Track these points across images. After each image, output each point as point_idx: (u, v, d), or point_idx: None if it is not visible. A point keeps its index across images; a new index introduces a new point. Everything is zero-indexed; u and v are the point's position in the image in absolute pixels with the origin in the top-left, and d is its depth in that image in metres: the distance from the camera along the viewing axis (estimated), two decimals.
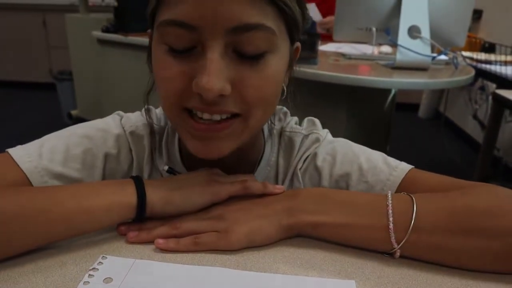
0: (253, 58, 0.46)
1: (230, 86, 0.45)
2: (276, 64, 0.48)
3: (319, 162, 0.60)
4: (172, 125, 0.55)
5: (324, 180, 0.59)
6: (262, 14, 0.44)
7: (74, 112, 3.25)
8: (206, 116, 0.47)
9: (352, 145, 0.61)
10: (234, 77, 0.45)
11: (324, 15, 2.46)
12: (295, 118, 0.67)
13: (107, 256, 0.45)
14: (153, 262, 0.45)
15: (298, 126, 0.65)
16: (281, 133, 0.64)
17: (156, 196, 0.49)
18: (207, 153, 0.49)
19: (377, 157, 0.58)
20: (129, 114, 0.64)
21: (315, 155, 0.61)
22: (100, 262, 0.44)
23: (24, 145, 0.55)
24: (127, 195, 0.48)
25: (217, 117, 0.47)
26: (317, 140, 0.62)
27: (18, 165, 0.51)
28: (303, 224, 0.49)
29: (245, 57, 0.45)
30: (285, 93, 0.56)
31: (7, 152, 0.53)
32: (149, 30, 0.54)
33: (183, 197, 0.50)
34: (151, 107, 0.64)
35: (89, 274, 0.42)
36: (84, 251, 0.46)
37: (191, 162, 0.62)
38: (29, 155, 0.53)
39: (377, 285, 0.43)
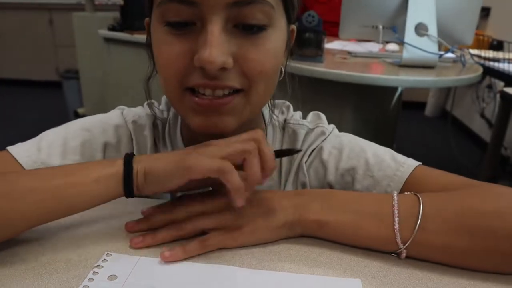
0: (253, 32, 0.46)
1: (232, 60, 0.46)
2: (275, 39, 0.49)
3: (325, 155, 0.59)
4: (173, 106, 0.55)
5: (329, 173, 0.59)
6: None
7: (80, 110, 3.26)
8: (208, 92, 0.47)
9: (359, 139, 0.61)
10: (235, 52, 0.46)
11: (323, 15, 2.46)
12: (299, 113, 0.67)
13: (111, 253, 0.45)
14: (157, 259, 0.44)
15: (302, 120, 0.65)
16: (285, 125, 0.64)
17: (140, 166, 0.46)
18: (211, 128, 0.49)
19: (385, 152, 0.58)
20: (131, 108, 0.65)
21: (321, 148, 0.60)
22: (104, 259, 0.44)
23: (23, 142, 0.56)
24: (115, 167, 0.46)
25: (219, 92, 0.48)
26: (323, 133, 0.62)
27: (17, 161, 0.53)
28: (309, 222, 0.48)
29: (246, 31, 0.46)
30: (282, 74, 0.56)
31: (6, 150, 0.55)
32: (146, 19, 0.54)
33: (161, 169, 0.46)
34: (153, 101, 0.64)
35: (94, 271, 0.42)
36: (89, 248, 0.46)
37: None
38: (27, 151, 0.54)
39: (383, 284, 0.42)
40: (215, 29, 0.44)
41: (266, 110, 0.63)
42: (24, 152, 0.54)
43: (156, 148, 0.63)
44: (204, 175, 0.43)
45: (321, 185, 0.60)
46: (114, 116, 0.62)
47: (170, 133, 0.63)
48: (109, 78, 2.68)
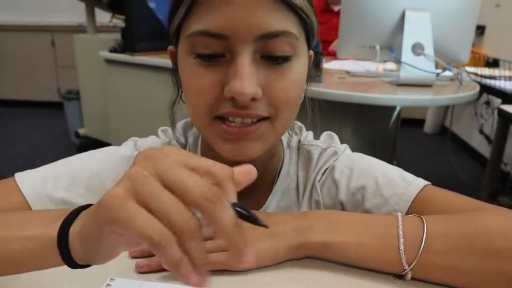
0: (279, 63, 0.48)
1: (261, 91, 0.47)
2: (300, 68, 0.51)
3: (337, 174, 0.61)
4: (202, 134, 0.55)
5: (341, 192, 0.60)
6: (286, 21, 0.47)
7: (81, 131, 3.28)
8: (238, 120, 0.49)
9: (370, 159, 0.62)
10: (263, 82, 0.48)
11: (321, 35, 2.50)
12: (311, 133, 0.68)
13: (115, 278, 0.45)
14: (160, 284, 0.45)
15: (316, 140, 0.66)
16: (299, 146, 0.66)
17: (75, 226, 0.35)
18: (239, 155, 0.50)
19: (394, 171, 0.59)
20: (144, 138, 0.65)
21: (333, 168, 0.62)
22: (108, 284, 0.44)
23: (32, 170, 0.56)
24: (51, 227, 0.36)
25: (248, 120, 0.49)
26: (335, 153, 0.63)
27: (20, 191, 0.52)
28: (313, 244, 0.48)
29: (272, 62, 0.48)
30: (302, 98, 0.57)
31: (14, 177, 0.55)
32: (170, 47, 0.56)
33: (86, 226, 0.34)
34: (167, 128, 0.65)
35: None
36: (93, 273, 0.46)
37: None
38: (33, 181, 0.54)
39: None
40: (245, 61, 0.46)
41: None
42: (29, 182, 0.54)
43: None
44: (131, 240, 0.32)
45: (333, 203, 0.61)
46: (125, 148, 0.62)
47: None
48: (110, 99, 2.70)
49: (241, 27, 0.45)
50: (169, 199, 0.28)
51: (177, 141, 0.64)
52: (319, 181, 0.62)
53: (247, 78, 0.45)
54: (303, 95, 0.57)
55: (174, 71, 0.56)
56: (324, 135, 0.68)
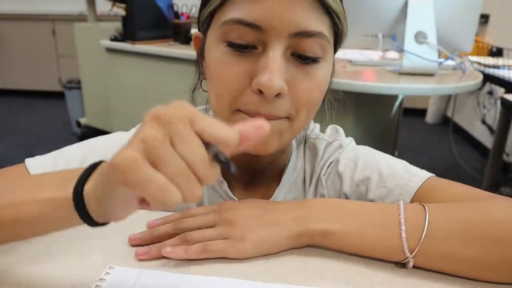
0: (308, 63, 0.49)
1: (286, 87, 0.48)
2: (326, 71, 0.51)
3: (341, 167, 0.61)
4: (219, 120, 0.54)
5: (345, 185, 0.60)
6: (321, 23, 0.48)
7: (82, 120, 3.28)
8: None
9: (374, 151, 0.63)
10: (289, 80, 0.48)
11: None
12: (318, 125, 0.68)
13: (114, 266, 0.45)
14: (159, 272, 0.45)
15: (322, 134, 0.66)
16: (306, 140, 0.66)
17: (90, 184, 0.36)
18: (253, 148, 0.50)
19: (398, 163, 0.59)
20: None
21: (337, 161, 0.62)
22: (107, 272, 0.44)
23: (42, 156, 0.56)
24: (65, 189, 0.36)
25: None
26: (340, 146, 0.63)
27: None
28: (314, 233, 0.48)
29: (302, 61, 0.48)
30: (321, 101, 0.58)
31: (25, 162, 0.55)
32: (197, 32, 0.56)
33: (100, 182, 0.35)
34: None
35: (96, 285, 0.42)
36: (92, 261, 0.46)
37: None
38: (44, 166, 0.54)
39: None
40: (277, 56, 0.46)
41: None
42: (40, 166, 0.54)
43: None
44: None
45: (337, 196, 0.61)
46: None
47: None
48: (111, 88, 2.69)
49: (278, 21, 0.45)
50: (180, 167, 0.30)
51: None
52: (324, 174, 0.62)
53: (276, 72, 0.45)
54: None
55: (198, 57, 0.57)
56: (330, 128, 0.68)
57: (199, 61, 0.58)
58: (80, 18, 3.98)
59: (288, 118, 0.50)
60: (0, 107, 4.39)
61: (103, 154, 0.56)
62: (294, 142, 0.65)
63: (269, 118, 0.48)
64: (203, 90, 0.57)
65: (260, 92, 0.46)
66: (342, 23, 0.51)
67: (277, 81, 0.45)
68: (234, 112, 0.50)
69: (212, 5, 0.50)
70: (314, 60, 0.49)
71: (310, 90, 0.50)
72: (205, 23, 0.53)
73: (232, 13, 0.47)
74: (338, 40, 0.53)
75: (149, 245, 0.47)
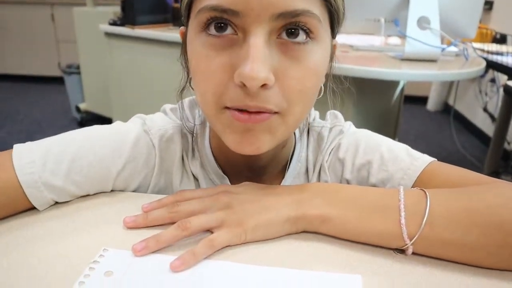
0: (297, 47, 0.44)
1: (273, 77, 0.43)
2: (319, 56, 0.46)
3: (342, 153, 0.60)
4: (208, 120, 0.51)
5: (346, 170, 0.59)
6: (307, 0, 0.43)
7: (82, 106, 3.26)
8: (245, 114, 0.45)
9: (375, 135, 0.61)
10: (277, 68, 0.43)
11: None
12: (317, 113, 0.67)
13: (108, 248, 0.45)
14: (154, 254, 0.44)
15: (322, 121, 0.65)
16: (309, 128, 0.64)
17: None
18: (246, 147, 0.47)
19: (400, 147, 0.58)
20: (152, 117, 0.61)
21: (338, 146, 0.61)
22: (101, 255, 0.43)
23: (31, 145, 0.52)
24: None
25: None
26: (341, 132, 0.62)
27: (16, 175, 0.48)
28: (311, 217, 0.47)
29: (290, 42, 0.44)
30: (321, 92, 0.54)
31: (13, 151, 0.50)
32: (181, 28, 0.53)
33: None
34: (173, 106, 0.62)
35: (90, 267, 0.41)
36: (86, 244, 0.46)
37: (225, 161, 0.61)
38: (32, 164, 0.49)
39: (385, 280, 0.42)
40: (258, 42, 0.42)
41: None
42: (28, 166, 0.49)
43: (183, 162, 0.61)
44: None
45: (339, 182, 0.60)
46: (132, 128, 0.58)
47: (198, 144, 0.61)
48: (111, 72, 2.67)
49: (256, 3, 0.41)
50: None
51: (186, 126, 0.61)
52: (326, 161, 0.61)
53: (258, 61, 0.41)
54: (322, 87, 0.54)
55: (183, 54, 0.53)
56: (329, 114, 0.66)
57: (184, 58, 0.54)
58: (79, 2, 3.93)
59: (279, 113, 0.46)
60: (0, 92, 4.38)
61: (94, 155, 0.53)
62: (297, 132, 0.63)
63: (258, 111, 0.44)
64: (192, 88, 0.53)
65: (244, 85, 0.42)
66: (336, 0, 0.46)
67: (260, 71, 0.41)
68: (221, 110, 0.46)
69: None
70: (303, 42, 0.44)
71: (302, 77, 0.45)
72: (185, 15, 0.50)
73: (206, 0, 0.43)
74: (334, 20, 0.49)
75: (146, 240, 0.45)
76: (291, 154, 0.63)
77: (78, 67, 3.26)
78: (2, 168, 0.49)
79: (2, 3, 4.43)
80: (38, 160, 0.50)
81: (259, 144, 0.47)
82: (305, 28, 0.44)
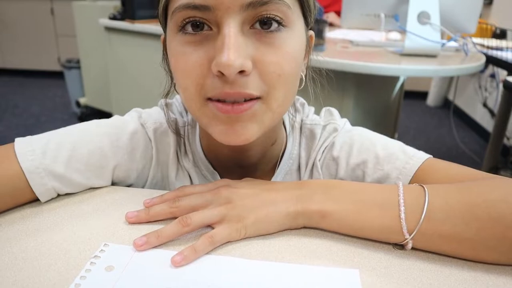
0: (271, 30, 0.45)
1: (250, 63, 0.44)
2: (293, 41, 0.48)
3: (336, 151, 0.60)
4: (195, 117, 0.53)
5: (341, 168, 0.59)
6: None
7: (82, 100, 3.26)
8: (228, 100, 0.46)
9: (369, 133, 0.61)
10: (253, 55, 0.45)
11: (328, 6, 2.45)
12: (313, 109, 0.67)
13: (109, 244, 0.45)
14: (155, 249, 0.44)
15: (317, 117, 0.65)
16: (302, 125, 0.64)
17: None
18: (234, 138, 0.48)
19: (394, 145, 0.58)
20: (149, 110, 0.62)
21: (332, 145, 0.61)
22: (102, 250, 0.44)
23: (32, 138, 0.53)
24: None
25: (240, 99, 0.46)
26: (335, 130, 0.62)
27: (18, 162, 0.50)
28: (311, 212, 0.47)
29: (263, 30, 0.45)
30: (303, 82, 0.55)
31: (14, 145, 0.52)
32: (162, 35, 0.54)
33: None
34: (170, 101, 0.63)
35: (91, 262, 0.42)
36: (87, 239, 0.46)
37: (215, 158, 0.61)
38: (33, 152, 0.51)
39: (383, 275, 0.42)
40: (232, 32, 0.43)
41: (285, 114, 0.63)
42: (29, 153, 0.51)
43: (177, 156, 0.62)
44: None
45: None
46: (130, 120, 0.60)
47: (190, 140, 0.62)
48: (110, 67, 2.67)
49: None
50: None
51: (170, 123, 0.62)
52: (319, 159, 0.61)
53: (233, 49, 0.42)
54: (303, 77, 0.55)
55: (165, 59, 0.54)
56: (324, 111, 0.66)
57: (166, 62, 0.55)
58: None
59: (261, 98, 0.47)
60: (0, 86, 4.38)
61: (93, 144, 0.55)
62: (288, 128, 0.63)
63: (239, 96, 0.45)
64: (176, 92, 0.55)
65: (222, 74, 0.43)
66: None
67: (235, 59, 0.42)
68: (204, 102, 0.47)
69: (162, 0, 0.48)
70: (276, 29, 0.45)
71: (279, 62, 0.46)
72: (162, 20, 0.51)
73: (179, 1, 0.45)
74: (305, 9, 0.50)
75: (147, 235, 0.45)
76: (282, 151, 0.63)
77: (78, 62, 3.25)
78: (5, 158, 0.50)
79: None
80: (38, 149, 0.52)
81: (246, 134, 0.48)
82: (275, 17, 0.45)
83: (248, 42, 0.45)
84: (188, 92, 0.48)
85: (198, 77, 0.46)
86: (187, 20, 0.45)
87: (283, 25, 0.46)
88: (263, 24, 0.45)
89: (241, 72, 0.44)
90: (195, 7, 0.44)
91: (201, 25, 0.45)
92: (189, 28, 0.46)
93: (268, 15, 0.45)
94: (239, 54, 0.43)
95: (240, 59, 0.43)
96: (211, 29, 0.45)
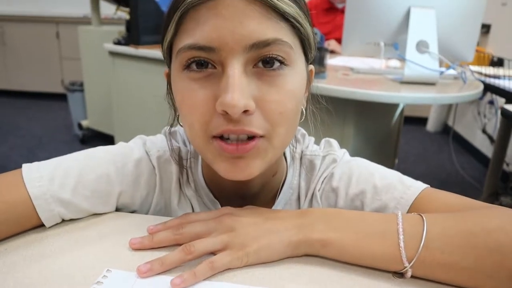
0: (273, 69, 0.47)
1: (253, 103, 0.46)
2: (295, 79, 0.49)
3: (335, 182, 0.60)
4: (198, 152, 0.54)
5: (340, 199, 0.60)
6: (277, 30, 0.46)
7: (84, 123, 3.28)
8: (232, 136, 0.47)
9: (368, 163, 0.62)
10: (256, 95, 0.46)
11: (329, 34, 2.50)
12: (313, 139, 0.68)
13: (112, 269, 0.46)
14: (157, 276, 0.45)
15: (317, 148, 0.66)
16: (302, 156, 0.65)
17: None
18: (237, 174, 0.49)
19: (392, 175, 0.59)
20: (153, 138, 0.64)
21: (331, 175, 0.61)
22: (105, 275, 0.44)
23: (39, 164, 0.54)
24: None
25: (243, 136, 0.47)
26: (334, 161, 0.63)
27: (26, 188, 0.51)
28: (312, 242, 0.48)
29: (266, 69, 0.47)
30: (304, 115, 0.57)
31: (21, 171, 0.53)
32: (166, 70, 0.56)
33: None
34: (174, 129, 0.64)
35: None
36: (91, 264, 0.47)
37: (217, 188, 0.63)
38: (40, 178, 0.52)
39: None
40: (236, 73, 0.45)
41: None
42: (36, 180, 0.52)
43: (180, 184, 0.63)
44: None
45: None
46: (134, 148, 0.61)
47: (192, 170, 0.63)
48: (114, 91, 2.70)
49: (230, 38, 0.44)
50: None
51: (173, 154, 0.63)
52: (318, 190, 0.62)
53: (237, 90, 0.44)
54: (304, 110, 0.56)
55: (169, 93, 0.56)
56: (323, 142, 0.67)
57: (170, 96, 0.57)
58: (84, 21, 4.01)
59: (265, 137, 0.48)
60: (4, 107, 4.41)
61: (100, 171, 0.56)
62: (288, 159, 0.64)
63: (243, 132, 0.47)
64: (180, 125, 0.56)
65: (226, 113, 0.45)
66: (304, 27, 0.49)
67: (239, 99, 0.44)
68: (209, 140, 0.49)
69: (168, 37, 0.50)
70: (278, 68, 0.47)
71: (281, 100, 0.47)
72: (167, 56, 0.53)
73: (185, 39, 0.46)
74: (306, 46, 0.51)
75: (151, 262, 0.46)
76: (282, 181, 0.64)
77: (81, 85, 3.29)
78: (13, 184, 0.52)
79: (9, 20, 4.50)
80: (46, 176, 0.53)
81: (250, 170, 0.49)
82: (278, 56, 0.47)
83: (251, 82, 0.46)
84: (193, 129, 0.49)
85: (204, 114, 0.47)
86: (191, 59, 0.47)
87: (285, 64, 0.47)
88: (266, 63, 0.47)
89: (245, 111, 0.45)
90: (200, 48, 0.45)
91: (205, 64, 0.47)
92: (193, 66, 0.47)
93: (271, 55, 0.46)
94: (243, 95, 0.44)
95: (244, 100, 0.44)
96: (215, 67, 0.47)
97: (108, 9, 3.36)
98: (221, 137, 0.48)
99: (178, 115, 0.55)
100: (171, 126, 0.60)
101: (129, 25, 2.46)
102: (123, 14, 2.98)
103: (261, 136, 0.48)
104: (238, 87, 0.44)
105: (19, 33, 4.56)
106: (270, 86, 0.47)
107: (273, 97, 0.47)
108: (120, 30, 2.83)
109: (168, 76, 0.55)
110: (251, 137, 0.48)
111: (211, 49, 0.45)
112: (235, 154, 0.48)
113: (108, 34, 2.83)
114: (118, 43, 2.52)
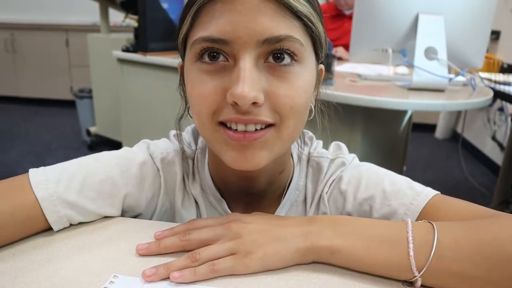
0: (284, 65, 0.48)
1: (263, 96, 0.47)
2: (305, 76, 0.50)
3: (344, 185, 0.60)
4: (207, 142, 0.55)
5: (348, 203, 0.59)
6: (290, 27, 0.47)
7: (92, 129, 3.31)
8: (240, 127, 0.48)
9: (377, 168, 0.62)
10: (266, 88, 0.48)
11: (337, 40, 2.50)
12: (321, 142, 0.68)
13: (118, 275, 0.45)
14: (163, 282, 0.45)
15: (325, 151, 0.66)
16: (309, 158, 0.65)
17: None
18: (244, 163, 0.50)
19: (402, 181, 0.58)
20: (156, 142, 0.65)
21: (340, 179, 0.61)
22: (111, 281, 0.44)
23: (45, 168, 0.55)
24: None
25: (251, 127, 0.48)
26: (343, 164, 0.62)
27: (33, 191, 0.51)
28: (320, 249, 0.48)
29: (276, 65, 0.48)
30: (313, 113, 0.58)
31: (28, 175, 0.53)
32: (180, 62, 0.57)
33: None
34: (180, 133, 0.65)
35: None
36: (98, 270, 0.46)
37: (223, 186, 0.63)
38: (47, 181, 0.53)
39: None
40: (247, 66, 0.46)
41: (294, 146, 0.64)
42: (43, 182, 0.53)
43: (184, 184, 0.63)
44: None
45: (340, 214, 0.60)
46: (138, 151, 0.62)
47: (199, 168, 0.64)
48: (122, 98, 2.72)
49: (243, 32, 0.46)
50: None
51: (185, 150, 0.64)
52: (326, 192, 0.62)
53: (248, 82, 0.45)
54: (313, 108, 0.57)
55: (181, 84, 0.57)
56: (333, 145, 0.67)
57: (182, 88, 0.58)
58: (93, 28, 4.05)
59: (273, 125, 0.49)
60: (13, 114, 4.46)
61: (105, 174, 0.57)
62: (295, 159, 0.64)
63: (252, 122, 0.48)
64: (190, 116, 0.57)
65: (236, 104, 0.46)
66: (316, 27, 0.50)
67: (249, 91, 0.45)
68: (216, 127, 0.50)
69: (183, 30, 0.51)
70: (289, 64, 0.48)
71: (291, 95, 0.48)
72: (181, 49, 0.54)
73: (200, 32, 0.48)
74: (317, 45, 0.52)
75: (156, 266, 0.46)
76: (289, 181, 0.64)
77: (90, 91, 3.32)
78: (20, 187, 0.52)
79: (19, 28, 4.57)
80: (52, 179, 0.54)
81: (256, 160, 0.50)
82: (289, 52, 0.48)
83: (261, 76, 0.48)
84: (200, 117, 0.50)
85: (212, 103, 0.48)
86: (205, 49, 0.48)
87: (295, 60, 0.49)
88: (277, 58, 0.48)
89: (254, 103, 0.46)
90: (214, 40, 0.47)
91: (217, 55, 0.48)
92: (206, 58, 0.48)
93: (282, 49, 0.47)
94: (253, 87, 0.46)
95: (254, 92, 0.46)
96: (227, 60, 0.48)
97: (116, 17, 3.40)
98: (227, 126, 0.49)
99: (189, 107, 0.56)
100: (181, 117, 0.61)
101: (138, 32, 2.48)
102: (132, 21, 3.01)
103: (271, 125, 0.49)
104: (249, 79, 0.45)
105: (30, 41, 4.62)
106: (281, 81, 0.48)
107: (284, 91, 0.48)
108: (128, 37, 2.86)
109: (182, 68, 0.56)
110: (259, 129, 0.49)
111: (225, 42, 0.46)
112: (242, 142, 0.48)
113: (116, 42, 2.86)
114: (126, 50, 2.55)
